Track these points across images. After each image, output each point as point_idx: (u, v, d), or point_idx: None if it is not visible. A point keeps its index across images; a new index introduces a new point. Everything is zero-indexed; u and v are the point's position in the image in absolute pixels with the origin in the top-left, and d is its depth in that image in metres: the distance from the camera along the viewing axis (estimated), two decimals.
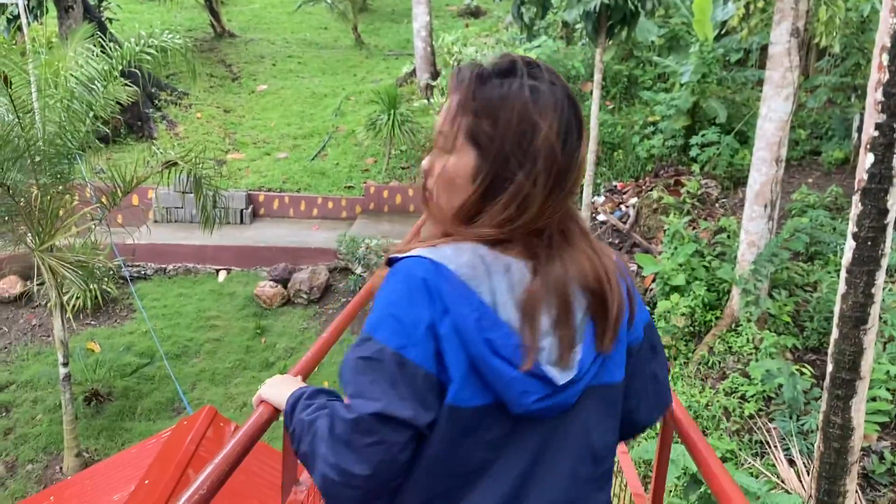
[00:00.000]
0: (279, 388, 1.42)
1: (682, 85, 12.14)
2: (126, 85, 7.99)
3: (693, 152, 11.54)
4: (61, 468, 7.41)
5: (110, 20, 15.55)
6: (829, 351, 5.42)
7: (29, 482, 7.24)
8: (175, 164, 7.56)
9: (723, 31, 12.79)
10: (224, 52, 18.29)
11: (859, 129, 11.66)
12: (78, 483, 4.92)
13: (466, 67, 1.24)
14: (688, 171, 11.70)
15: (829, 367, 5.44)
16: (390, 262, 1.20)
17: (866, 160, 4.98)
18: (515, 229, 1.18)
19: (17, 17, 11.83)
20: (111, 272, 10.16)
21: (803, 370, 7.65)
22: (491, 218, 1.18)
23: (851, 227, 5.13)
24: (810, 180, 11.32)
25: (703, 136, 11.45)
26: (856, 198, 5.05)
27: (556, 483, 1.20)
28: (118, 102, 7.95)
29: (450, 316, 1.11)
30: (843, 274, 5.25)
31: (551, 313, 1.16)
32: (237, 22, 20.67)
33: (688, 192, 10.97)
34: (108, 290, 9.60)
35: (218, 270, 10.92)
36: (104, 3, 15.90)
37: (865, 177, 4.99)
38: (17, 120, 6.11)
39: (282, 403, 1.32)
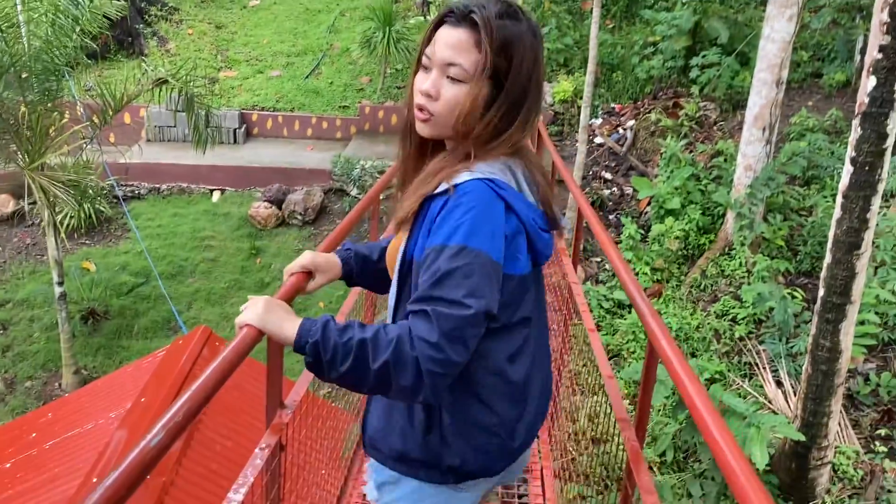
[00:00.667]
0: (269, 316, 1.46)
1: (683, 3, 11.84)
2: None
3: (693, 73, 11.33)
4: (60, 385, 7.52)
5: None
6: (822, 275, 5.45)
7: (28, 398, 7.36)
8: (165, 81, 7.42)
9: None
10: None
11: (862, 52, 11.39)
12: (75, 400, 5.00)
13: (478, 7, 1.44)
14: (687, 94, 11.52)
15: (821, 292, 5.47)
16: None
17: (868, 83, 4.90)
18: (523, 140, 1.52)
19: None
20: (104, 191, 10.10)
21: (795, 294, 7.68)
22: (508, 139, 1.48)
23: (850, 152, 5.09)
24: (810, 103, 11.14)
25: (703, 56, 11.22)
26: (855, 122, 4.99)
27: (544, 302, 1.70)
28: (106, 17, 7.76)
29: (514, 214, 1.44)
30: (838, 199, 5.23)
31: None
32: None
33: (686, 114, 10.83)
34: (102, 209, 9.54)
35: (212, 190, 10.85)
36: None
37: (866, 100, 4.92)
38: (0, 34, 5.95)
39: (279, 331, 1.42)
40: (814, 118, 10.26)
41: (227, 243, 9.64)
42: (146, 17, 14.39)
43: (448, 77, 1.45)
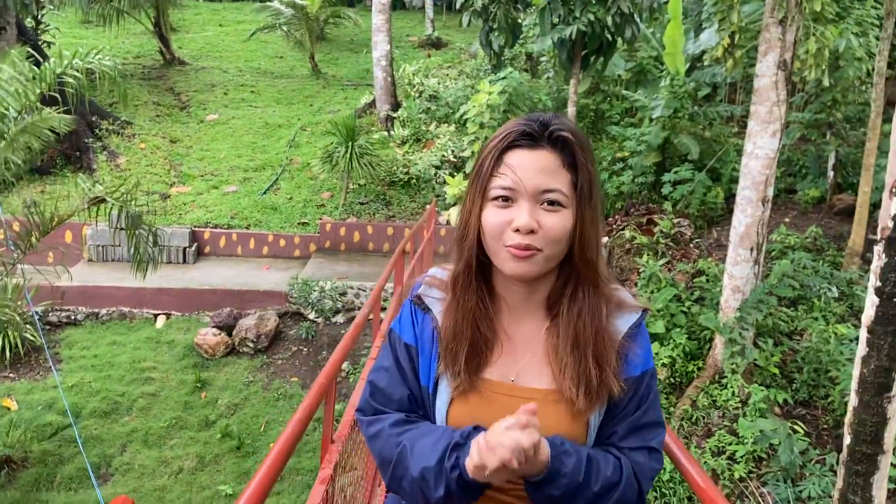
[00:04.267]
0: None
1: (651, 120, 11.66)
2: (64, 112, 7.21)
3: (665, 190, 11.01)
4: None
5: (49, 44, 14.59)
6: (847, 420, 4.82)
7: None
8: (103, 200, 6.71)
9: (693, 65, 12.40)
10: (173, 80, 17.42)
11: (835, 168, 11.28)
12: None
13: (557, 124, 1.36)
14: (659, 210, 11.17)
15: (847, 440, 4.82)
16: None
17: (891, 205, 4.38)
18: None
19: None
20: (37, 317, 9.19)
21: (795, 427, 7.10)
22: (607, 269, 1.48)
23: (874, 281, 4.52)
24: (787, 220, 10.86)
25: (675, 172, 10.93)
26: (878, 248, 4.44)
27: None
28: (52, 131, 7.22)
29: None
30: (863, 334, 4.63)
31: None
32: (188, 49, 19.83)
33: (661, 231, 10.42)
34: (32, 337, 8.61)
35: (156, 315, 9.97)
36: (42, 26, 14.95)
37: (890, 224, 4.38)
38: None
39: None
40: (794, 235, 9.93)
41: (169, 375, 8.70)
42: (97, 130, 13.81)
43: (544, 205, 1.35)
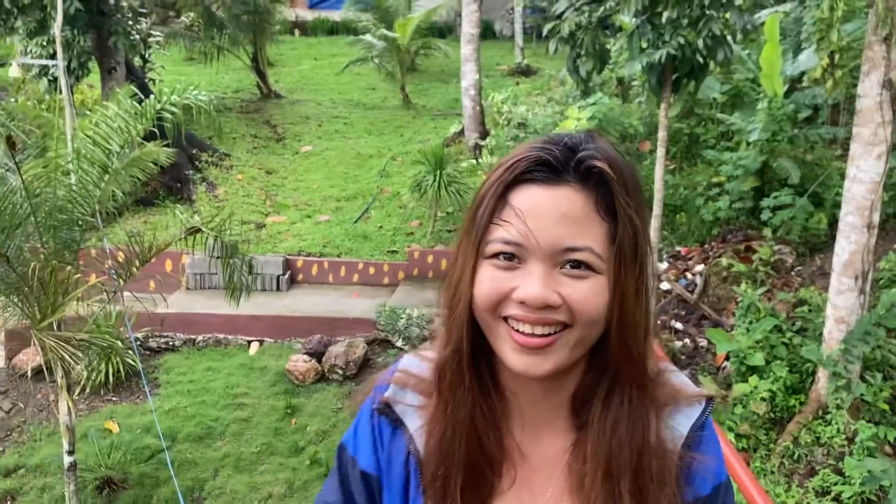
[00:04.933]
0: None
1: (748, 143, 11.29)
2: (165, 146, 7.56)
3: (764, 216, 10.61)
4: None
5: (154, 81, 15.36)
6: None
7: None
8: (199, 230, 6.94)
9: (792, 87, 11.96)
10: (269, 113, 18.02)
11: None
12: None
13: (588, 147, 0.95)
14: (758, 236, 10.76)
15: None
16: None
17: None
18: None
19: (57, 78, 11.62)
20: (138, 343, 9.56)
21: None
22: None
23: None
24: None
25: (775, 198, 10.51)
26: None
27: None
28: (155, 163, 7.58)
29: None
30: None
31: None
32: (284, 83, 20.51)
33: (760, 258, 10.02)
34: (133, 363, 8.95)
35: (250, 342, 10.23)
36: (148, 65, 15.75)
37: None
38: (22, 185, 5.54)
39: None
40: None
41: (261, 401, 8.88)
42: (197, 163, 14.39)
43: (566, 268, 0.93)
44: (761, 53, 10.96)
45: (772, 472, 7.26)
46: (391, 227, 13.02)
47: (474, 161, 14.23)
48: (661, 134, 8.39)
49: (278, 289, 11.48)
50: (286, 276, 11.65)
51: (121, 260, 7.03)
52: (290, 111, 18.33)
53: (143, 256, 6.65)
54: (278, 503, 7.43)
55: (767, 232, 10.54)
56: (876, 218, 7.37)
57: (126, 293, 7.12)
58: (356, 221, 13.23)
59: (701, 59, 7.52)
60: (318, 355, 9.53)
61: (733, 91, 13.15)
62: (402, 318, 9.77)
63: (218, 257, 7.49)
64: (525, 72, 20.76)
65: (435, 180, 12.15)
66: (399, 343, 9.81)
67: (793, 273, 10.06)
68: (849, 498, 6.64)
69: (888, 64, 6.91)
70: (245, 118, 17.44)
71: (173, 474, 6.82)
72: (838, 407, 7.37)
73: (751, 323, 8.42)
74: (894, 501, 6.17)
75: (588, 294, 0.93)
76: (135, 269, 6.77)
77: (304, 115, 18.15)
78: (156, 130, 7.04)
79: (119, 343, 7.88)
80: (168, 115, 6.50)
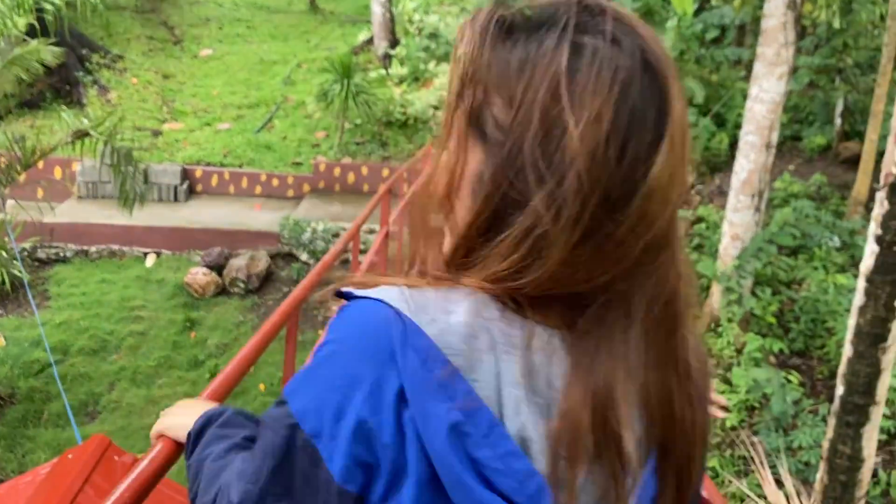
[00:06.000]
0: (184, 419, 1.11)
1: None
2: (51, 45, 6.99)
3: None
4: None
5: None
6: (840, 371, 4.72)
7: None
8: (87, 134, 6.51)
9: (702, 6, 12.01)
10: (166, 14, 16.98)
11: (842, 115, 11.01)
12: None
13: (484, 13, 0.74)
14: None
15: (839, 390, 4.73)
16: (342, 296, 0.75)
17: (895, 152, 4.19)
18: (521, 288, 0.69)
19: None
20: (25, 253, 9.07)
21: (789, 377, 7.04)
22: (485, 265, 0.70)
23: (874, 229, 4.35)
24: (792, 167, 10.64)
25: None
26: (881, 195, 4.26)
27: None
28: (42, 63, 7.02)
29: (410, 412, 0.66)
30: (860, 283, 4.49)
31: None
32: None
33: None
34: (19, 274, 8.49)
35: (146, 254, 9.84)
36: None
37: (894, 171, 4.20)
38: None
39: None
40: (798, 183, 9.74)
41: (158, 314, 8.61)
42: (87, 64, 13.48)
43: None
44: None
45: None
46: (296, 138, 12.61)
47: (384, 71, 13.85)
48: None
49: (176, 199, 11.03)
50: (184, 186, 11.18)
51: (2, 165, 6.57)
52: (189, 12, 17.32)
53: (25, 161, 6.22)
54: None
55: None
56: (775, 138, 7.55)
57: (10, 201, 6.69)
58: (259, 131, 12.76)
59: None
60: (218, 268, 9.27)
61: (644, 8, 13.11)
62: (306, 232, 9.56)
63: (110, 164, 7.09)
64: None
65: (342, 89, 11.76)
66: (304, 257, 9.63)
67: (692, 192, 10.31)
68: (734, 405, 6.97)
69: None
70: (140, 18, 16.38)
71: (61, 389, 6.57)
72: (729, 320, 7.67)
73: None
74: (775, 407, 6.53)
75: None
76: (16, 174, 6.33)
77: (204, 16, 17.18)
78: (35, 24, 6.50)
79: (3, 253, 7.40)
80: (49, 7, 5.96)
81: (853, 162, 10.24)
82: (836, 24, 7.73)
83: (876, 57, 10.68)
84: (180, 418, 1.14)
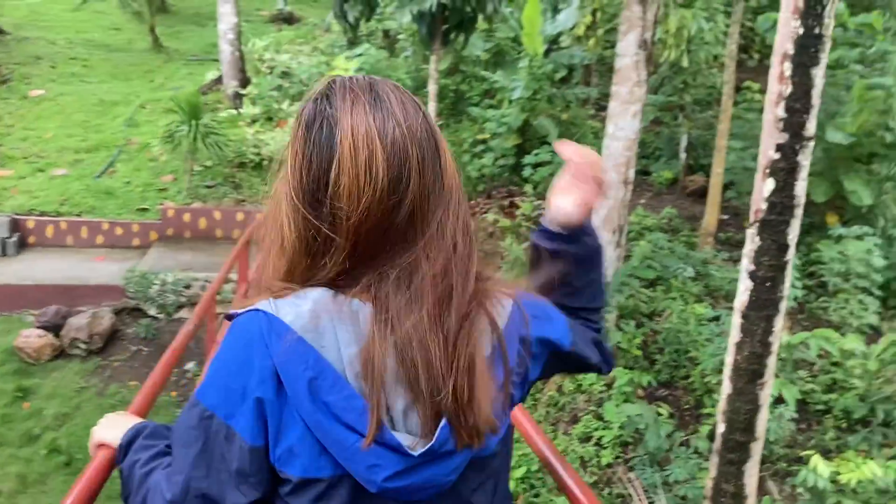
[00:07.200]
0: (116, 431, 1.32)
1: (511, 101, 11.49)
2: None
3: (526, 172, 10.88)
4: None
5: None
6: (719, 408, 4.73)
7: None
8: None
9: (550, 48, 12.34)
10: None
11: (687, 150, 11.56)
12: None
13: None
14: (521, 192, 11.04)
15: (721, 428, 4.74)
16: (230, 318, 1.08)
17: (764, 187, 4.25)
18: (334, 280, 1.05)
19: None
20: None
21: (660, 410, 7.12)
22: (314, 274, 1.07)
23: (747, 265, 4.41)
24: (643, 201, 11.01)
25: (536, 155, 10.80)
26: (752, 231, 4.32)
27: None
28: None
29: (283, 378, 0.99)
30: (735, 319, 4.53)
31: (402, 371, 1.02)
32: (10, 18, 17.91)
33: (523, 214, 10.28)
34: None
35: None
36: None
37: (764, 207, 4.25)
38: None
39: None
40: (650, 216, 10.05)
41: None
42: None
43: None
44: (523, 12, 11.13)
45: (539, 422, 7.45)
46: (141, 183, 11.79)
47: (235, 111, 13.29)
48: (432, 87, 8.21)
49: (4, 253, 9.98)
50: (14, 239, 10.14)
51: None
52: (17, 49, 16.04)
53: None
54: (9, 501, 6.42)
55: (529, 188, 10.82)
56: (632, 174, 7.72)
57: None
58: (99, 176, 11.84)
59: (471, 11, 7.38)
60: (55, 329, 8.38)
61: (496, 49, 13.35)
62: (155, 284, 8.85)
63: None
64: (288, 19, 19.83)
65: (190, 130, 11.13)
66: (152, 311, 8.91)
67: None
68: (608, 442, 6.96)
69: (644, 24, 7.17)
70: None
71: None
72: None
73: (517, 276, 8.57)
74: (650, 443, 6.54)
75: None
76: None
77: (34, 54, 15.96)
78: None
79: None
80: None
81: (699, 194, 10.72)
82: (685, 62, 8.03)
83: (712, 94, 11.31)
84: (112, 430, 1.34)
